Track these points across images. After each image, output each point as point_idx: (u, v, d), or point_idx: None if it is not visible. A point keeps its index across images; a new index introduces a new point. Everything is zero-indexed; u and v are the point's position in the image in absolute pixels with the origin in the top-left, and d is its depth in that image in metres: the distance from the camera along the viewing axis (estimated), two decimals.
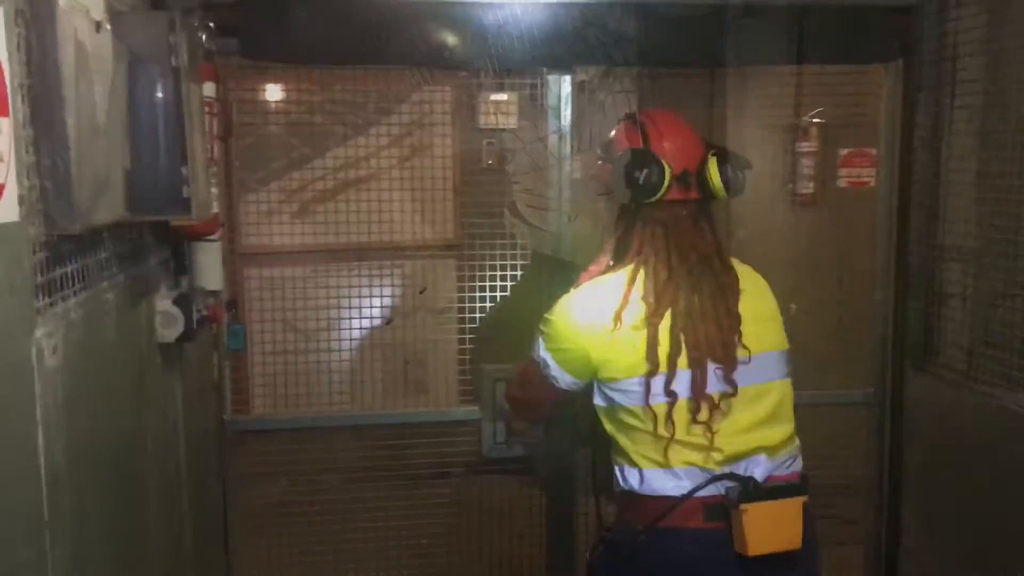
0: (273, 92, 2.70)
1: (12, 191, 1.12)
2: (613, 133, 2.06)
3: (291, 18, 2.32)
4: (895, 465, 2.75)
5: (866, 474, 2.82)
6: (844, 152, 3.06)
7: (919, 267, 2.64)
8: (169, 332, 1.86)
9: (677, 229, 1.90)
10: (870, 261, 2.77)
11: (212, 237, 2.11)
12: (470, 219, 2.83)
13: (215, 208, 2.01)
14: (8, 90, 1.11)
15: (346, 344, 2.74)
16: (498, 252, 2.72)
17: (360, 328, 2.75)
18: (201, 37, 1.86)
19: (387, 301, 2.76)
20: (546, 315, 1.94)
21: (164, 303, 1.85)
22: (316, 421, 2.71)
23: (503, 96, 2.79)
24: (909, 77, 2.62)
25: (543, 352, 1.93)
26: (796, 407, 1.93)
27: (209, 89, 1.97)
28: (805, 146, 3.30)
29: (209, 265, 2.12)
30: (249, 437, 2.68)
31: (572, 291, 1.95)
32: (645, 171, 1.89)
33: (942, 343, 2.56)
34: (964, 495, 2.41)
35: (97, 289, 1.48)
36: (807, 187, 3.32)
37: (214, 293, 2.14)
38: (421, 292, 2.88)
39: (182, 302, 1.87)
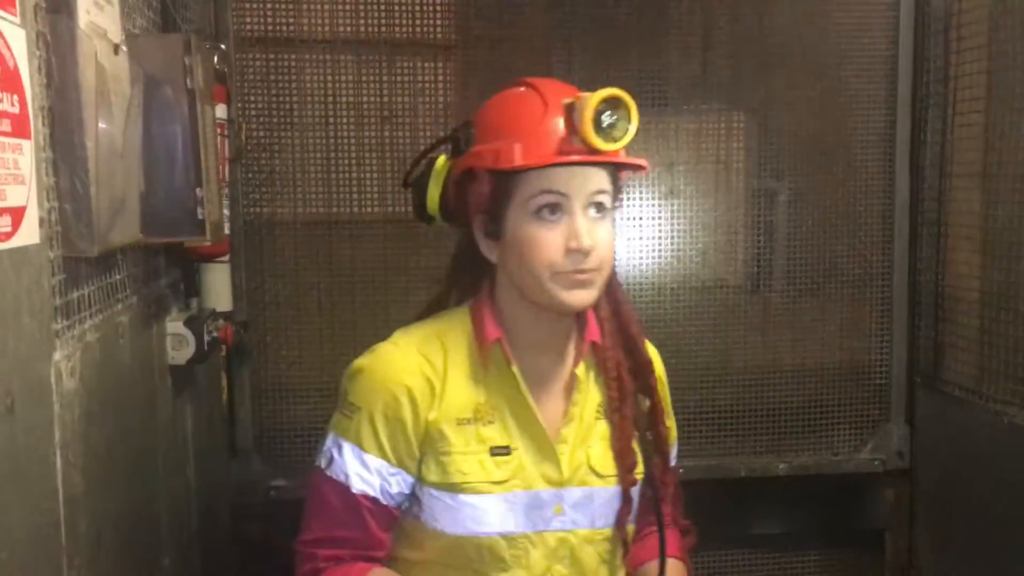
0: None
1: (33, 213, 1.11)
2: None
3: None
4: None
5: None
6: None
7: (927, 284, 2.64)
8: (180, 354, 1.85)
9: None
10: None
11: (222, 258, 2.11)
12: None
13: (226, 229, 2.01)
14: (30, 112, 1.11)
15: None
16: None
17: None
18: (213, 58, 1.86)
19: None
20: None
21: (175, 325, 1.84)
22: None
23: None
24: (915, 95, 2.63)
25: None
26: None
27: (221, 110, 1.97)
28: None
29: (219, 286, 2.12)
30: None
31: None
32: None
33: (952, 361, 2.55)
34: (977, 514, 2.40)
35: (112, 311, 1.48)
36: None
37: (225, 314, 2.13)
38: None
39: (193, 324, 1.86)
